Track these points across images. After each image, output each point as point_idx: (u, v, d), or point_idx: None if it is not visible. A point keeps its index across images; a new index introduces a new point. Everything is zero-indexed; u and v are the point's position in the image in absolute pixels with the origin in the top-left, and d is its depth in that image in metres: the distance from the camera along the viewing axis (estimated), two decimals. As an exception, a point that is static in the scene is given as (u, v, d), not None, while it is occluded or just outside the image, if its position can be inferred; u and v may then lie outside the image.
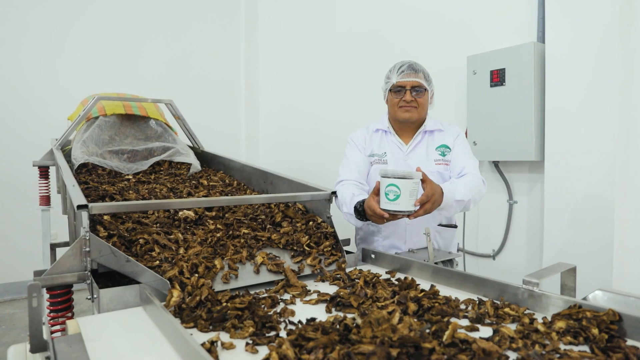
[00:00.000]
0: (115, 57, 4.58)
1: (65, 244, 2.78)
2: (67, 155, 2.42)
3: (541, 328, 0.95)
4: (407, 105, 1.86)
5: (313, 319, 0.99)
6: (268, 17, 5.14)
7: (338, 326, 0.95)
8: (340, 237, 1.65)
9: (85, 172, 2.28)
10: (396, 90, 1.87)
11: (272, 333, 0.98)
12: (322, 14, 4.53)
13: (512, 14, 2.96)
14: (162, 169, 2.49)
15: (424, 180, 1.52)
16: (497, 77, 2.80)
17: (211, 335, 0.98)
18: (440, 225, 1.93)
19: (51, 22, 4.29)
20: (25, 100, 4.19)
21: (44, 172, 2.75)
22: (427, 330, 0.93)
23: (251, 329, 0.97)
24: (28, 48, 4.20)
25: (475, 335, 0.97)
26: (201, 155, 2.85)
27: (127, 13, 4.66)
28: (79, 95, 3.33)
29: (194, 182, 2.31)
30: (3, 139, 4.13)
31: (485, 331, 1.01)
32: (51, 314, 1.26)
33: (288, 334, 0.94)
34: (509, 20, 2.99)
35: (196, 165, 2.51)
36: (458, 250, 2.23)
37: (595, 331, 0.91)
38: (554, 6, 2.56)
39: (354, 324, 0.95)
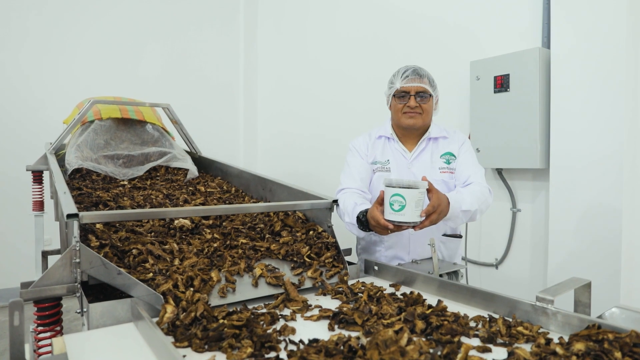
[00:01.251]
0: (113, 60, 4.53)
1: (58, 252, 2.71)
2: (62, 160, 2.36)
3: (559, 350, 0.89)
4: (412, 111, 1.81)
5: (316, 340, 0.93)
6: (267, 20, 5.10)
7: (342, 347, 0.89)
8: (341, 246, 1.59)
9: (79, 178, 2.22)
10: (400, 95, 1.82)
11: (272, 354, 0.92)
12: (323, 17, 4.48)
13: (516, 19, 2.92)
14: (158, 174, 2.43)
15: (430, 190, 1.46)
16: (501, 83, 2.75)
17: (206, 356, 0.91)
18: (444, 235, 1.88)
19: (50, 24, 4.24)
20: (24, 101, 4.14)
21: (37, 177, 2.68)
22: (439, 353, 0.87)
23: (249, 350, 0.91)
24: (27, 50, 4.15)
25: (488, 357, 0.92)
26: (198, 160, 2.79)
27: (125, 17, 4.61)
28: (77, 98, 3.27)
29: (190, 188, 2.25)
30: (2, 141, 4.07)
31: (498, 352, 0.95)
32: (38, 328, 1.19)
33: (289, 356, 0.88)
34: (513, 26, 2.94)
35: (193, 170, 2.45)
36: (462, 259, 2.17)
37: (618, 355, 0.85)
38: (559, 11, 2.52)
39: (359, 345, 0.89)
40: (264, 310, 1.20)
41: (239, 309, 1.15)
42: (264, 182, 2.13)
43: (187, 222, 1.61)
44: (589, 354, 0.87)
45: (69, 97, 3.67)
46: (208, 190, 2.23)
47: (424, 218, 1.43)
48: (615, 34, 2.30)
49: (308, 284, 1.41)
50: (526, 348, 0.92)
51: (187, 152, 2.83)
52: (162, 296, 1.11)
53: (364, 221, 1.60)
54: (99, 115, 2.53)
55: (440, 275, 1.52)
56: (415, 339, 0.91)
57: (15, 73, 4.12)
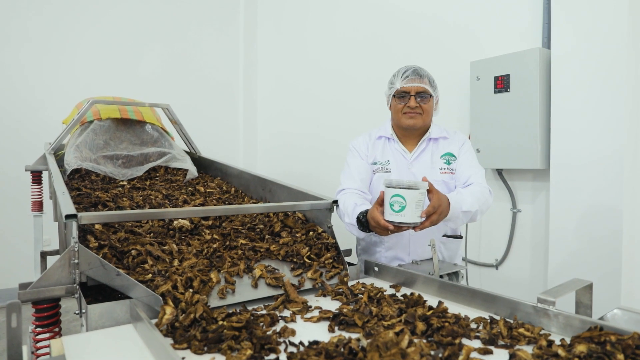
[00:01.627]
0: (113, 60, 4.52)
1: (57, 252, 2.70)
2: (61, 160, 2.35)
3: (561, 352, 0.88)
4: (412, 111, 1.80)
5: (316, 342, 0.92)
6: (267, 20, 5.09)
7: (343, 349, 0.88)
8: (341, 247, 1.59)
9: (78, 178, 2.21)
10: (400, 95, 1.81)
11: (272, 356, 0.91)
12: (323, 18, 4.48)
13: (516, 19, 2.91)
14: (157, 174, 2.42)
15: (430, 191, 1.45)
16: (502, 83, 2.75)
17: (206, 358, 0.91)
18: (445, 236, 1.87)
19: (51, 24, 4.23)
20: (24, 101, 4.13)
21: (36, 177, 2.67)
22: (440, 355, 0.86)
23: (249, 352, 0.90)
24: (27, 50, 4.15)
25: (489, 359, 0.91)
26: (198, 160, 2.78)
27: (125, 17, 4.60)
28: (77, 98, 3.27)
29: (190, 188, 2.24)
30: (2, 141, 4.06)
31: (500, 354, 0.94)
32: (37, 330, 1.19)
33: (289, 358, 0.88)
34: (513, 26, 2.94)
35: (193, 171, 2.44)
36: (462, 260, 2.16)
37: (620, 357, 0.84)
38: (560, 11, 2.52)
39: (360, 347, 0.89)
40: (264, 312, 1.19)
41: (238, 311, 1.14)
42: (264, 182, 2.13)
43: (187, 222, 1.60)
44: (591, 356, 0.87)
45: (69, 97, 3.66)
46: (207, 190, 2.23)
47: (424, 219, 1.42)
48: (615, 34, 2.29)
49: (308, 285, 1.40)
50: (528, 350, 0.91)
51: (186, 152, 2.82)
52: (161, 297, 1.10)
53: (364, 222, 1.59)
54: (98, 116, 2.53)
55: (441, 276, 1.51)
56: (416, 340, 0.91)
57: (15, 73, 4.11)
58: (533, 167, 2.66)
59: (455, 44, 3.29)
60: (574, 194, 2.46)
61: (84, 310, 1.13)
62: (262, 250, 1.49)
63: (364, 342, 0.88)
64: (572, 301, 1.19)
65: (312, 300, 1.31)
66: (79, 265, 1.15)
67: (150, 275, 1.21)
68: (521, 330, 1.02)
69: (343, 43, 4.25)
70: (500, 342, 0.99)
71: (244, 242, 1.53)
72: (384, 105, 1.96)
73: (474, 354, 0.92)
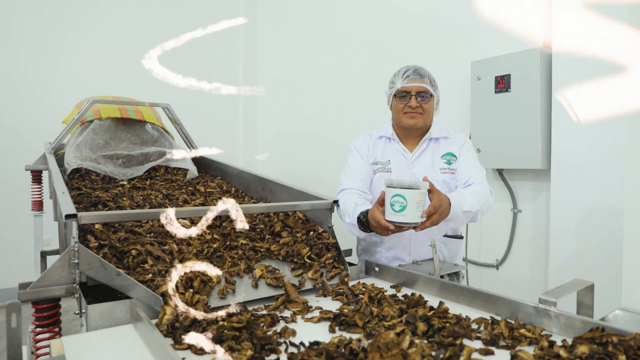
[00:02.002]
0: (113, 60, 4.52)
1: (57, 252, 2.69)
2: (61, 160, 2.35)
3: (563, 353, 0.88)
4: (412, 111, 1.80)
5: (316, 342, 0.92)
6: (267, 21, 5.09)
7: (343, 350, 0.88)
8: (342, 247, 1.58)
9: (78, 178, 2.20)
10: (401, 95, 1.81)
11: (272, 356, 0.91)
12: (323, 18, 4.48)
13: (517, 19, 2.91)
14: (158, 174, 2.41)
15: (431, 191, 1.45)
16: (502, 83, 2.75)
17: (206, 358, 0.90)
18: (445, 236, 1.87)
19: (51, 24, 4.24)
20: (24, 101, 4.13)
21: (36, 177, 2.67)
22: (441, 356, 0.86)
23: (249, 352, 0.90)
24: (27, 50, 4.15)
25: (491, 360, 0.91)
26: (198, 160, 2.78)
27: (125, 17, 4.61)
28: (77, 97, 3.27)
29: (190, 188, 2.24)
30: (2, 141, 4.06)
31: (501, 355, 0.94)
32: (36, 329, 1.18)
33: (289, 358, 0.87)
34: (513, 26, 2.93)
35: (193, 171, 2.44)
36: (462, 260, 2.16)
37: (622, 358, 0.84)
38: (560, 11, 2.51)
39: (361, 347, 0.88)
40: (264, 312, 1.19)
41: (238, 311, 1.14)
42: (264, 182, 2.12)
43: (187, 222, 1.60)
44: (592, 357, 0.86)
45: (69, 97, 3.65)
46: (208, 190, 2.22)
47: (425, 219, 1.42)
48: (615, 34, 2.29)
49: (308, 285, 1.40)
50: (529, 351, 0.91)
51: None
52: (161, 297, 1.10)
53: (364, 222, 1.59)
54: (99, 115, 2.52)
55: (441, 277, 1.51)
56: (417, 341, 0.90)
57: (15, 73, 4.12)
58: (534, 167, 2.66)
59: (455, 44, 3.29)
60: (575, 194, 2.46)
61: (84, 310, 1.12)
62: (262, 250, 1.49)
63: (365, 343, 0.88)
64: (573, 302, 1.19)
65: (313, 300, 1.31)
66: (79, 265, 1.15)
67: (150, 275, 1.21)
68: (522, 330, 1.02)
69: (343, 43, 4.25)
70: (502, 343, 0.99)
71: (244, 242, 1.53)
72: (384, 105, 1.95)
73: (475, 355, 0.92)
